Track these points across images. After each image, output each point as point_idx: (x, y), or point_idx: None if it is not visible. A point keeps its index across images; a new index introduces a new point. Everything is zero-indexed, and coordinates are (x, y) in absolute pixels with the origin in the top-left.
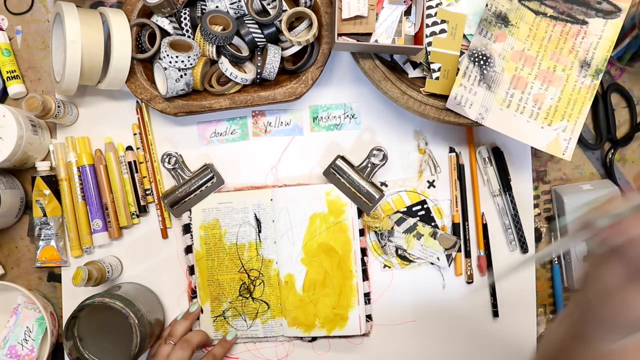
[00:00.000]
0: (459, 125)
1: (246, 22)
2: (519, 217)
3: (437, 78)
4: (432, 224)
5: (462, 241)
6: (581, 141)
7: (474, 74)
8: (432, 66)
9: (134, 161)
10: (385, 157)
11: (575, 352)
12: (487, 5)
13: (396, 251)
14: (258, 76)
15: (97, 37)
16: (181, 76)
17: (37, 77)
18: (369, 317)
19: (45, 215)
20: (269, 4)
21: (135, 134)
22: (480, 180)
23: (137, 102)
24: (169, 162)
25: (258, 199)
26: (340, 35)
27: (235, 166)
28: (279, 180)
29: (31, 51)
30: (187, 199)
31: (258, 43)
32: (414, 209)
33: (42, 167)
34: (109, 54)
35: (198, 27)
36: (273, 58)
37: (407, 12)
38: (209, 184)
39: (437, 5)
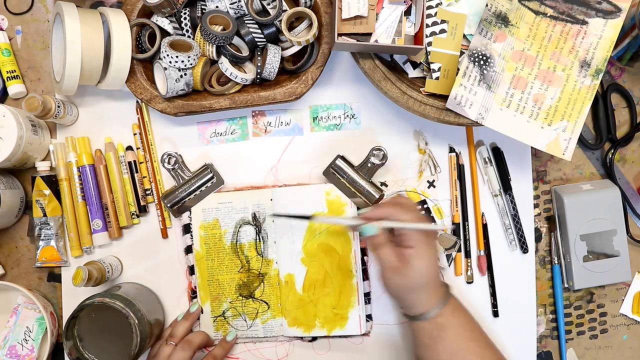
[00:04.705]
0: (459, 125)
1: (246, 22)
2: (519, 217)
3: (437, 78)
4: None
5: (462, 241)
6: (581, 141)
7: (474, 74)
8: (432, 66)
9: (134, 161)
10: (385, 157)
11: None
12: (487, 5)
13: None
14: (258, 76)
15: (97, 37)
16: (181, 76)
17: (37, 77)
18: (369, 317)
19: (45, 215)
20: (269, 4)
21: (135, 134)
22: (480, 180)
23: (137, 102)
24: (169, 162)
25: (258, 199)
26: (340, 35)
27: (235, 166)
28: (279, 180)
29: (31, 51)
30: (187, 199)
31: (258, 43)
32: None
33: (42, 167)
34: (109, 54)
35: (198, 27)
36: (273, 58)
37: (407, 12)
38: (208, 184)
39: (437, 5)
